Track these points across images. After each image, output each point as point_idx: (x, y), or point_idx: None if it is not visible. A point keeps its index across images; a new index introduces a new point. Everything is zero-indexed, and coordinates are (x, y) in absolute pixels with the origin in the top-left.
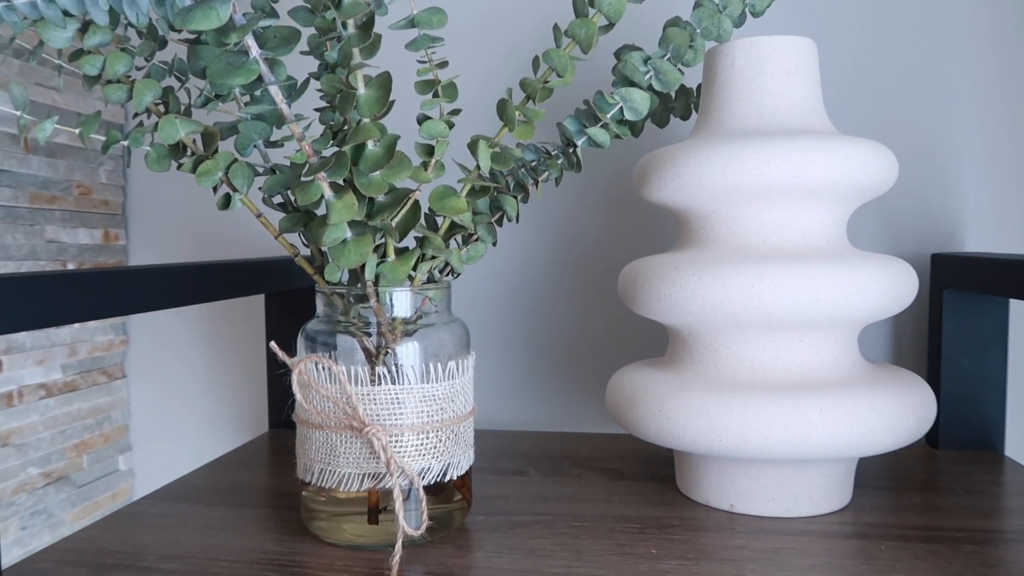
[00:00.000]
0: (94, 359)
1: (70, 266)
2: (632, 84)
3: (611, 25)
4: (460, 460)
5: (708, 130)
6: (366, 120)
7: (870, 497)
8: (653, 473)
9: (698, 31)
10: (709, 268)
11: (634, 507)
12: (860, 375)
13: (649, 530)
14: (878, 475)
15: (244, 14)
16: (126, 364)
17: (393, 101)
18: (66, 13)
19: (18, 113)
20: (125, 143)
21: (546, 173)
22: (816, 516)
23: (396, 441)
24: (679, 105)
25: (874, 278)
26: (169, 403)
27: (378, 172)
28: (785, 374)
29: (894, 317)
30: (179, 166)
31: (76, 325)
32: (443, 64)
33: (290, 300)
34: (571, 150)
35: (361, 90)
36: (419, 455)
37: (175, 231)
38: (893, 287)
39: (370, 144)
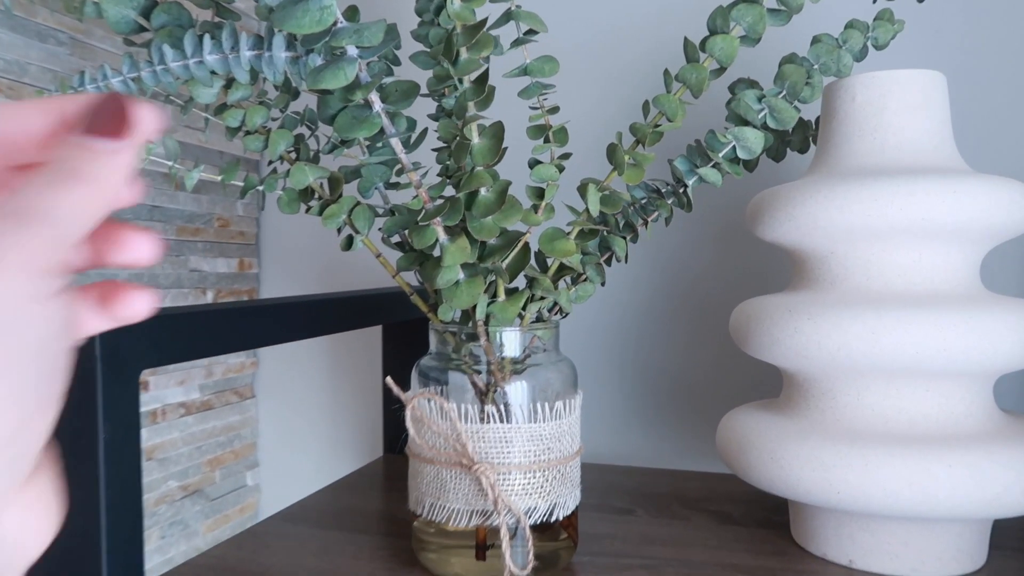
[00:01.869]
0: (228, 380)
1: (209, 293)
2: (745, 122)
3: (722, 69)
4: (567, 500)
5: (826, 168)
6: (479, 167)
7: (1008, 559)
8: (765, 519)
9: (816, 67)
10: (825, 312)
11: (745, 555)
12: (994, 428)
13: None
14: (1018, 535)
15: (368, 64)
16: (256, 385)
17: (505, 148)
18: (213, 73)
19: (170, 163)
20: (261, 188)
21: (656, 213)
22: None
23: (504, 479)
24: (796, 139)
25: (1009, 326)
26: (293, 422)
27: (490, 217)
28: (909, 425)
29: None
30: (307, 209)
31: None
32: (554, 110)
33: (405, 331)
34: (682, 189)
35: (475, 140)
36: (526, 494)
37: (303, 259)
38: None
39: (483, 190)
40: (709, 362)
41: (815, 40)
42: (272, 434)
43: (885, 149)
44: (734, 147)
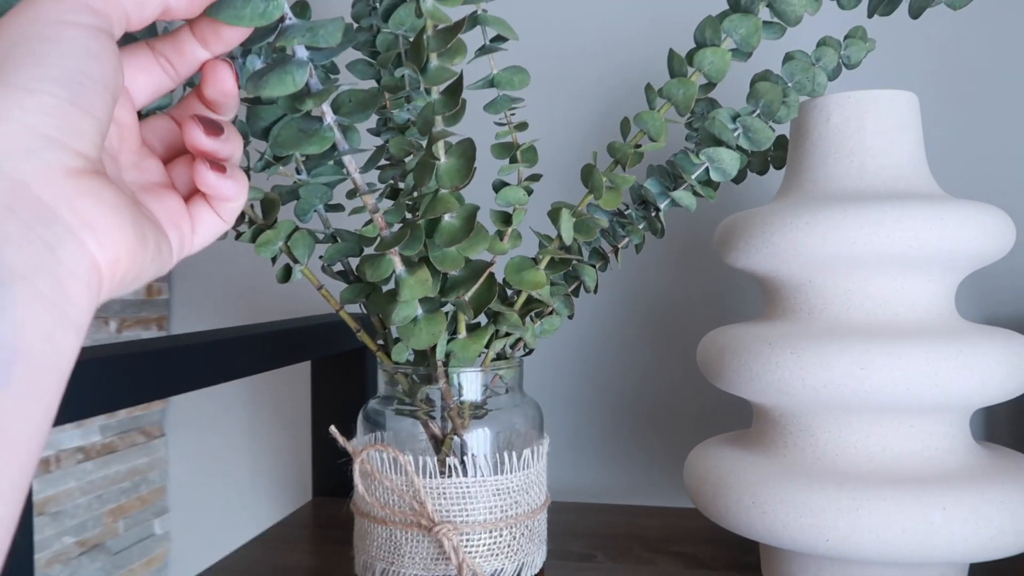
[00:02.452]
0: (133, 418)
1: (112, 323)
2: (719, 143)
3: (711, 85)
4: (534, 558)
5: (801, 191)
6: (444, 191)
7: None
8: (734, 560)
9: (790, 85)
10: (809, 345)
11: None
12: (978, 464)
13: None
14: (989, 565)
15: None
16: (165, 422)
17: (475, 170)
18: None
19: None
20: None
21: (626, 239)
22: None
23: (467, 540)
24: (757, 160)
25: (997, 358)
26: (209, 463)
27: (455, 246)
28: (894, 462)
29: None
30: (237, 236)
31: None
32: (523, 126)
33: (339, 363)
34: (653, 214)
35: (442, 160)
36: (492, 555)
37: (219, 284)
38: (1017, 367)
39: (447, 216)
40: (671, 392)
41: (788, 57)
42: (184, 476)
43: (864, 173)
44: (707, 168)
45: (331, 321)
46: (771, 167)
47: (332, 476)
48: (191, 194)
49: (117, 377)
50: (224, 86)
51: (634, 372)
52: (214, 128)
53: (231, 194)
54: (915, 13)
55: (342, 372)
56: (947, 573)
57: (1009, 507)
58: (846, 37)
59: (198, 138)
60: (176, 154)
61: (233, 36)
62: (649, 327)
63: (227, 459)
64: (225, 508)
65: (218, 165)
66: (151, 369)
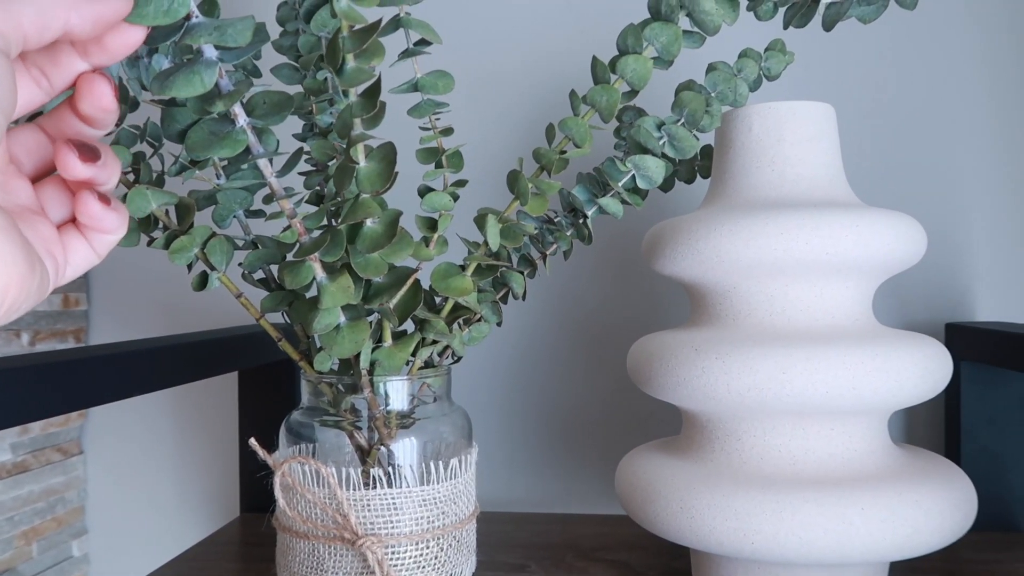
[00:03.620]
0: (48, 435)
1: (24, 336)
2: (645, 151)
3: (634, 92)
4: (463, 569)
5: (724, 199)
6: (365, 195)
7: None
8: (665, 566)
9: (713, 95)
10: (734, 351)
11: None
12: (895, 465)
13: None
14: (904, 563)
15: (228, 72)
16: (83, 439)
17: (396, 174)
18: None
19: None
20: None
21: (554, 246)
22: None
23: (393, 553)
24: (684, 169)
25: (912, 362)
26: (130, 480)
27: (378, 252)
28: (816, 464)
29: None
30: (150, 242)
31: None
32: (448, 131)
33: (265, 375)
34: (581, 220)
35: (362, 163)
36: (418, 568)
37: (140, 294)
38: (931, 371)
39: (369, 222)
40: (602, 399)
41: (711, 68)
42: (103, 495)
43: (783, 181)
44: (633, 176)
45: (258, 331)
46: (698, 176)
47: (261, 492)
48: (64, 221)
49: (32, 387)
50: (102, 102)
51: (565, 380)
52: (90, 154)
53: (113, 227)
54: (828, 26)
55: (270, 383)
56: (868, 573)
57: (924, 506)
58: (766, 50)
59: (73, 165)
60: (46, 173)
61: (120, 45)
62: (580, 335)
63: (150, 476)
64: (148, 528)
65: (104, 195)
66: (69, 379)
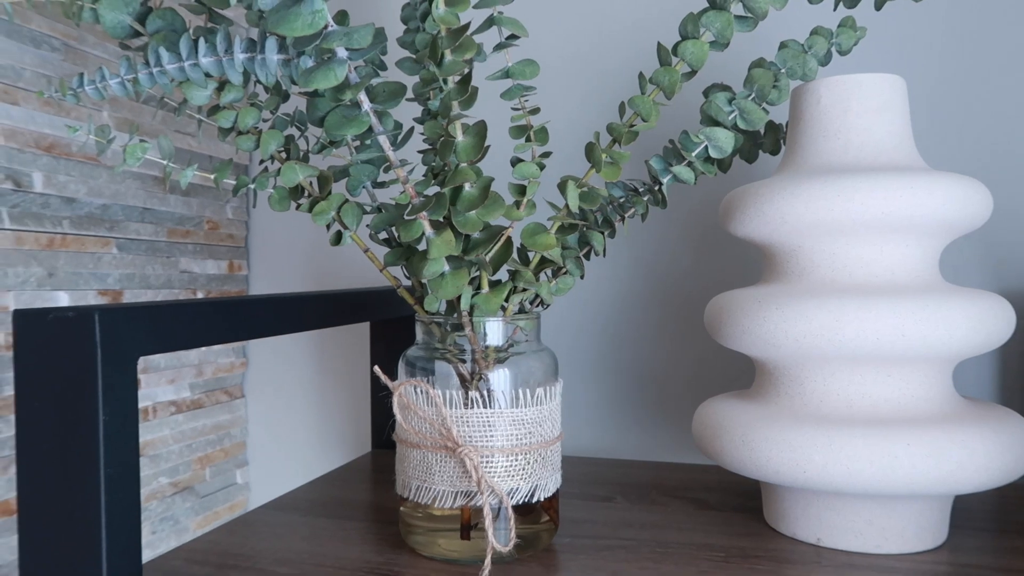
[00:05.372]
0: (218, 379)
1: (200, 294)
2: (717, 123)
3: (693, 72)
4: (547, 483)
5: (794, 166)
6: (463, 164)
7: (967, 538)
8: (740, 504)
9: (783, 71)
10: (792, 302)
11: (719, 536)
12: (952, 411)
13: (733, 560)
14: (979, 516)
15: (356, 68)
16: (245, 385)
17: (488, 147)
18: (207, 75)
19: (165, 162)
20: (252, 186)
21: (632, 210)
22: (907, 554)
23: (487, 462)
24: (768, 141)
25: (964, 314)
26: (282, 421)
27: (474, 211)
28: (872, 408)
29: (1001, 352)
30: (298, 206)
31: (203, 348)
32: (535, 111)
33: (393, 328)
34: (657, 187)
35: (459, 138)
36: (508, 476)
37: (291, 262)
38: (985, 323)
39: (467, 186)
40: (687, 355)
41: (782, 46)
42: (261, 434)
43: (848, 149)
44: (706, 147)
45: (386, 290)
46: (760, 153)
47: (387, 429)
48: None
49: (209, 318)
50: None
51: (651, 337)
52: None
53: None
54: (878, 5)
55: (395, 335)
56: (924, 510)
57: (970, 446)
58: (838, 26)
59: None
60: None
61: None
62: (665, 296)
63: (298, 418)
64: (296, 462)
65: None
66: (235, 315)
